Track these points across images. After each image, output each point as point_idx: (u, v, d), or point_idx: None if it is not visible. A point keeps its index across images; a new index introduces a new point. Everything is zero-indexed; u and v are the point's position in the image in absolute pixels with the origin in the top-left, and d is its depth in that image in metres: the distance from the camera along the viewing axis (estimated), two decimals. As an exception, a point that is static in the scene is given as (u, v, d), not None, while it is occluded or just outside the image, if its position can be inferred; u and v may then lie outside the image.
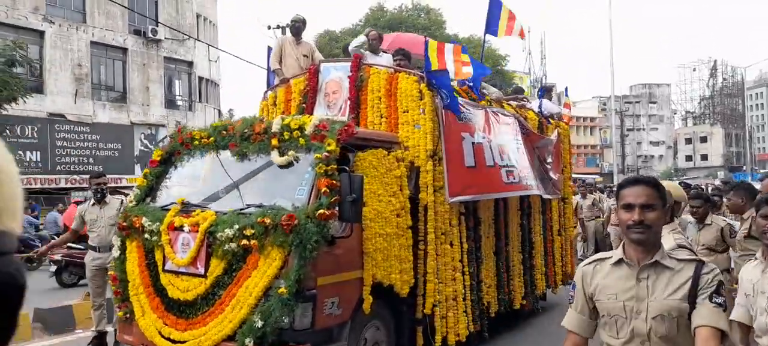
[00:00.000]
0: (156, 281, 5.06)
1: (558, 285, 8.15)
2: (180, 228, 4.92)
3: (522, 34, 7.49)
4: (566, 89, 10.38)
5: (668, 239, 2.59)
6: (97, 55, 25.59)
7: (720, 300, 2.15)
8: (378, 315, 5.34)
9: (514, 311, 7.05)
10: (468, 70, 5.83)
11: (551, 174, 7.72)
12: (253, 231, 4.58)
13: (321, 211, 4.54)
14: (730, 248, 5.49)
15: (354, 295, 5.04)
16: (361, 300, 5.07)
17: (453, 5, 62.98)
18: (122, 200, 6.40)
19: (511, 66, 39.13)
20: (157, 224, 5.05)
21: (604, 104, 66.97)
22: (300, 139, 4.95)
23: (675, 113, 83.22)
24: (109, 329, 6.48)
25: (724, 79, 77.78)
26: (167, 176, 5.57)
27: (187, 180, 5.50)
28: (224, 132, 5.33)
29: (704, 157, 75.19)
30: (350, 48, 6.36)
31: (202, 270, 4.81)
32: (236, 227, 4.64)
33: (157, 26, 25.98)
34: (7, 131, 20.06)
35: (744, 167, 68.14)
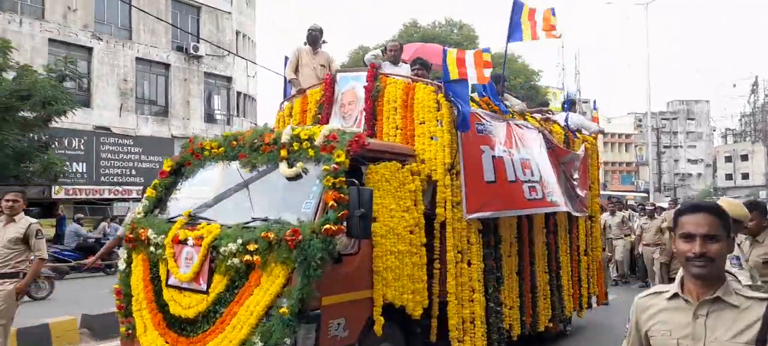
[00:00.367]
0: (159, 297, 4.78)
1: (584, 308, 7.59)
2: (184, 241, 4.63)
3: (551, 30, 6.78)
4: (594, 102, 9.81)
5: None
6: (141, 71, 26.01)
7: None
8: (389, 338, 4.94)
9: (539, 334, 6.55)
10: (488, 74, 5.42)
11: (578, 191, 7.21)
12: (256, 246, 4.26)
13: (327, 226, 4.20)
14: None
15: (362, 316, 4.66)
16: (370, 322, 4.69)
17: (486, 21, 62.37)
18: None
19: (544, 81, 38.31)
20: (162, 236, 4.78)
21: (640, 120, 65.10)
22: (309, 150, 4.63)
23: (714, 130, 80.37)
24: None
25: (766, 95, 74.86)
26: (177, 187, 5.32)
27: (197, 192, 5.22)
28: (234, 142, 5.05)
29: (745, 175, 72.19)
30: (366, 58, 6.04)
31: (204, 286, 4.50)
32: (239, 241, 4.32)
33: (199, 43, 26.28)
34: (56, 143, 20.48)
35: (786, 186, 65.17)
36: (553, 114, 7.83)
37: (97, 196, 23.99)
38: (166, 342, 4.64)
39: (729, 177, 73.60)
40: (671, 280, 2.25)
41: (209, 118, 28.18)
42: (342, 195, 4.31)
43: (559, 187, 6.63)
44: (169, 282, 4.71)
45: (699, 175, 75.25)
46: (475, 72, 5.26)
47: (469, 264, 5.45)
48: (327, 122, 5.73)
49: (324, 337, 4.32)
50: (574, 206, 6.97)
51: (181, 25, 26.18)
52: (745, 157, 73.08)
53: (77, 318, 7.52)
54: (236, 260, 4.32)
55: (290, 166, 4.65)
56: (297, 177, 4.62)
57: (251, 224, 4.46)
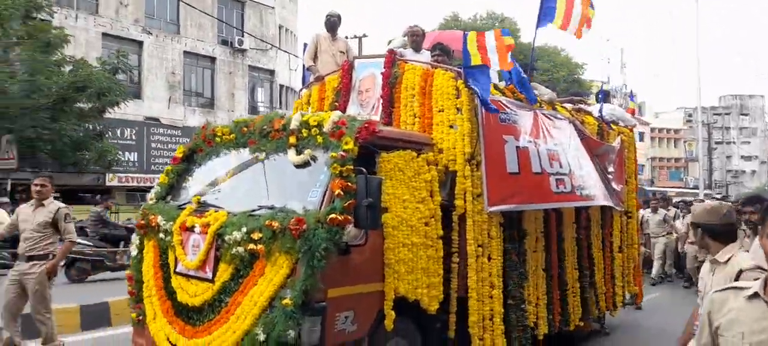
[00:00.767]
0: (168, 284, 4.63)
1: (618, 307, 7.10)
2: (192, 228, 4.46)
3: (587, 23, 6.31)
4: (631, 93, 9.19)
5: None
6: (188, 64, 26.43)
7: None
8: (401, 333, 4.65)
9: (570, 333, 6.12)
10: (511, 59, 5.03)
11: (613, 185, 6.72)
12: (260, 235, 4.04)
13: (333, 215, 3.93)
14: None
15: (372, 310, 4.38)
16: (381, 316, 4.41)
17: (528, 14, 60.92)
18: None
19: (588, 75, 37.07)
20: (171, 223, 4.62)
21: (690, 116, 62.38)
22: (318, 136, 4.37)
23: (770, 126, 76.36)
24: None
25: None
26: (189, 174, 5.16)
27: (207, 178, 5.04)
28: (245, 129, 4.84)
29: (802, 173, 68.42)
30: (392, 45, 5.74)
31: (210, 275, 4.32)
32: (244, 229, 4.11)
33: (243, 37, 26.50)
34: (109, 133, 21.02)
35: None
36: (586, 104, 7.33)
37: (148, 183, 24.54)
38: (174, 330, 4.49)
39: (785, 175, 69.88)
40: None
41: (253, 110, 28.43)
42: (349, 183, 4.04)
43: (592, 180, 6.17)
44: (177, 269, 4.56)
45: (753, 172, 71.72)
46: (497, 57, 4.87)
47: (489, 259, 5.10)
48: (344, 110, 5.47)
49: (330, 330, 4.07)
50: (608, 199, 6.50)
51: (226, 19, 26.44)
52: (802, 155, 69.23)
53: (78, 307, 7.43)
54: (241, 249, 4.11)
55: (299, 153, 4.41)
56: (305, 164, 4.37)
57: (257, 212, 4.24)
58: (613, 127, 7.38)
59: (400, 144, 4.68)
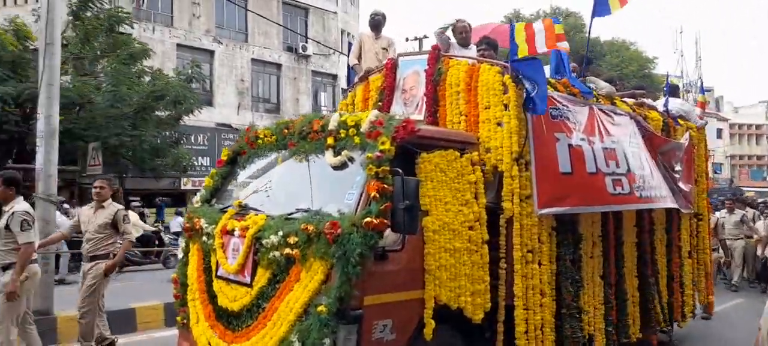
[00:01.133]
0: (210, 287, 4.55)
1: (687, 317, 6.48)
2: (232, 232, 4.36)
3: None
4: (701, 84, 8.40)
5: None
6: (256, 71, 27.01)
7: None
8: (445, 343, 4.36)
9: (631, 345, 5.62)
10: (565, 46, 4.63)
11: (680, 185, 6.14)
12: (296, 239, 3.87)
13: (368, 219, 3.70)
14: None
15: (412, 318, 4.12)
16: (423, 325, 4.14)
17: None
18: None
19: (661, 69, 35.01)
20: (213, 226, 4.54)
21: (774, 110, 57.99)
22: (355, 137, 4.16)
23: None
24: None
25: None
26: (233, 177, 5.08)
27: (250, 181, 4.95)
28: (286, 130, 4.70)
29: None
30: (434, 32, 5.45)
31: (248, 279, 4.19)
32: (280, 233, 3.95)
33: (307, 43, 26.82)
34: (184, 139, 21.81)
35: None
36: (648, 98, 6.73)
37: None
38: (215, 334, 4.40)
39: None
40: None
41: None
42: (385, 185, 3.80)
43: (655, 180, 5.64)
44: (218, 273, 4.47)
45: (844, 170, 65.77)
46: (545, 39, 4.49)
47: (539, 264, 4.73)
48: (388, 109, 5.23)
49: (366, 339, 3.84)
50: (674, 201, 5.93)
51: (290, 26, 26.86)
52: None
53: (161, 304, 7.64)
54: (277, 253, 3.96)
55: (337, 154, 4.22)
56: (343, 166, 4.17)
57: (294, 216, 4.07)
58: (681, 122, 6.75)
59: (441, 143, 4.39)
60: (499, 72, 4.70)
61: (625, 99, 6.12)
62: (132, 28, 19.25)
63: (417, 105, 5.13)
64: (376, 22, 6.22)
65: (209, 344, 4.39)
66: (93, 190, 6.05)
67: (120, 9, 18.67)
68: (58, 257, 10.36)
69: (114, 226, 5.88)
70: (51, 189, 7.22)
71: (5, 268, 5.04)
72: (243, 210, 4.52)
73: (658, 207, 5.77)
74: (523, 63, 4.58)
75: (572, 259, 5.00)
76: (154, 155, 18.97)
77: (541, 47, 4.58)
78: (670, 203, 5.85)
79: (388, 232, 3.82)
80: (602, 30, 70.78)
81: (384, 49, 5.97)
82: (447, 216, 4.26)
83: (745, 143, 60.93)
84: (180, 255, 4.97)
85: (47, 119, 7.30)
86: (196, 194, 5.18)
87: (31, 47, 17.52)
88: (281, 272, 3.99)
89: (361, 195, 3.91)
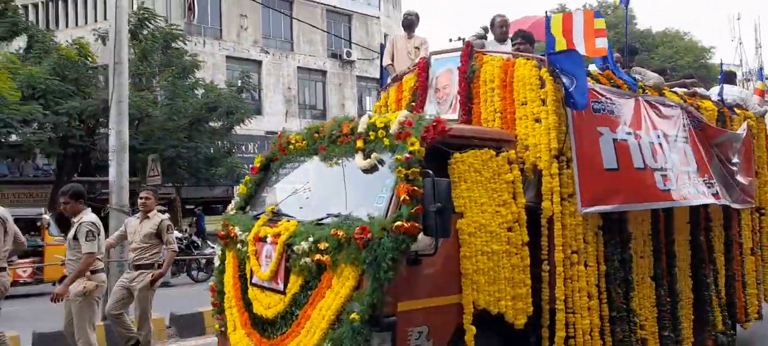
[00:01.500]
0: (245, 295, 4.47)
1: (751, 318, 5.97)
2: (264, 239, 4.27)
3: None
4: (761, 71, 7.76)
5: None
6: (302, 79, 27.29)
7: None
8: (486, 350, 4.12)
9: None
10: (603, 45, 4.31)
11: (738, 177, 5.67)
12: (327, 245, 3.73)
13: (398, 223, 3.52)
14: None
15: (450, 325, 3.92)
16: (462, 332, 3.93)
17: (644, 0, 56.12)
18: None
19: (717, 59, 33.20)
20: (246, 233, 4.47)
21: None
22: (384, 139, 3.99)
23: None
24: None
25: None
26: (266, 183, 4.99)
27: (282, 187, 4.85)
28: (316, 135, 4.58)
29: None
30: (469, 38, 5.23)
31: (281, 286, 4.09)
32: (311, 239, 3.83)
33: (351, 48, 26.90)
34: (235, 148, 22.26)
35: None
36: (700, 87, 6.26)
37: (268, 194, 25.62)
38: (252, 342, 4.31)
39: None
40: None
41: (363, 119, 28.75)
42: (416, 188, 3.61)
43: (709, 175, 5.21)
44: (253, 281, 4.39)
45: None
46: (584, 44, 4.20)
47: (586, 266, 4.42)
48: (421, 110, 5.03)
49: None
50: (731, 196, 5.48)
51: (334, 32, 27.01)
52: None
53: (165, 317, 7.66)
54: (308, 260, 3.84)
55: (366, 157, 4.05)
56: (372, 169, 4.01)
57: (325, 221, 3.94)
58: (737, 112, 6.25)
59: (475, 142, 4.16)
60: (535, 66, 4.44)
61: (675, 89, 5.70)
62: (185, 44, 19.77)
63: (451, 104, 4.92)
64: (409, 22, 6.06)
65: (245, 351, 4.30)
66: (139, 200, 6.13)
67: (174, 26, 19.22)
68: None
69: (158, 236, 5.95)
70: (123, 200, 7.56)
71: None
72: (275, 217, 4.43)
73: (709, 203, 5.31)
74: (561, 56, 4.30)
75: (621, 259, 4.67)
76: (208, 165, 19.46)
77: (579, 45, 4.26)
78: (723, 200, 5.37)
79: (421, 236, 3.64)
80: (654, 21, 67.89)
81: (416, 48, 5.79)
82: (483, 218, 4.04)
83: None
84: (217, 263, 4.92)
85: (118, 134, 7.67)
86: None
87: (92, 66, 18.31)
88: (313, 279, 3.87)
89: (391, 198, 3.74)
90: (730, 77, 6.89)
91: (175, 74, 18.24)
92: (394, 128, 3.94)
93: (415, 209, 3.57)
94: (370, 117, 4.20)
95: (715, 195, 5.25)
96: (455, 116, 4.80)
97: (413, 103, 5.14)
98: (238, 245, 4.56)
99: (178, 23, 20.68)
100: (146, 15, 17.78)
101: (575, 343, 4.28)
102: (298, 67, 26.82)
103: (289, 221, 4.19)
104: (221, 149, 20.38)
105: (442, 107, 4.95)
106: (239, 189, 5.04)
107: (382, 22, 28.97)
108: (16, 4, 18.46)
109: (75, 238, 5.21)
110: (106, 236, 6.10)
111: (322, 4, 27.07)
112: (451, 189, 3.74)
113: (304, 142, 4.66)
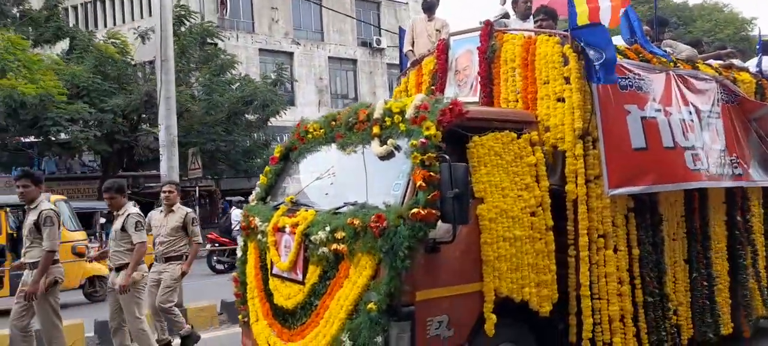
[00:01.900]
0: (266, 285, 4.39)
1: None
2: (283, 229, 4.17)
3: None
4: (800, 40, 7.20)
5: None
6: (333, 68, 27.22)
7: None
8: (511, 338, 3.95)
9: (722, 337, 4.89)
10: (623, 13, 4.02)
11: (780, 154, 5.27)
12: (343, 234, 3.60)
13: (414, 210, 3.36)
14: None
15: (472, 313, 3.75)
16: (484, 320, 3.75)
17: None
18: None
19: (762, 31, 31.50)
20: (266, 224, 4.38)
21: None
22: (400, 124, 3.82)
23: None
24: None
25: None
26: (286, 173, 4.89)
27: (301, 176, 4.74)
28: (334, 122, 4.44)
29: None
30: (493, 19, 4.98)
31: (300, 276, 3.99)
32: (328, 229, 3.71)
33: (380, 36, 26.65)
34: (271, 139, 22.42)
35: None
36: (736, 58, 5.83)
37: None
38: (273, 332, 4.24)
39: None
40: None
41: (394, 106, 28.52)
42: (432, 173, 3.44)
43: (745, 151, 4.85)
44: (273, 271, 4.30)
45: None
46: (610, 16, 3.92)
47: (615, 250, 4.17)
48: (441, 93, 4.83)
49: (421, 336, 3.52)
50: (763, 174, 5.10)
51: (364, 20, 26.81)
52: None
53: (217, 303, 7.67)
54: (326, 249, 3.72)
55: (382, 143, 3.89)
56: (389, 155, 3.85)
57: (342, 210, 3.81)
58: (778, 84, 5.81)
59: (495, 125, 3.96)
60: (558, 42, 4.18)
61: (709, 62, 5.32)
62: (221, 40, 19.92)
63: (471, 86, 4.70)
64: (430, 5, 5.85)
65: (268, 342, 4.23)
66: (162, 194, 6.14)
67: (209, 23, 19.38)
68: None
69: (184, 228, 5.97)
70: (174, 193, 7.60)
71: (119, 269, 5.29)
72: (294, 206, 4.32)
73: (746, 185, 4.95)
74: (586, 30, 4.04)
75: (653, 242, 4.39)
76: (246, 157, 19.66)
77: (604, 16, 3.98)
78: (759, 180, 4.99)
79: (439, 222, 3.47)
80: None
81: (437, 30, 5.57)
82: (504, 203, 3.84)
83: None
84: (239, 254, 4.85)
85: (167, 129, 7.76)
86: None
87: (133, 63, 18.65)
88: (331, 269, 3.76)
89: (407, 185, 3.58)
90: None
91: (211, 71, 18.45)
92: (409, 113, 3.77)
93: (431, 195, 3.41)
94: (386, 102, 4.03)
95: (740, 176, 4.86)
96: (476, 99, 4.59)
97: (433, 87, 4.95)
98: (259, 236, 4.48)
99: (211, 19, 20.85)
100: (183, 12, 17.96)
101: (602, 329, 4.06)
102: (328, 57, 26.76)
103: (307, 210, 4.08)
104: (258, 141, 20.55)
105: (463, 90, 4.74)
106: (260, 179, 4.95)
107: (411, 8, 28.58)
108: (59, 8, 18.90)
109: (123, 229, 5.26)
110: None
111: (350, -8, 26.92)
112: (470, 174, 3.56)
113: (321, 131, 4.54)
